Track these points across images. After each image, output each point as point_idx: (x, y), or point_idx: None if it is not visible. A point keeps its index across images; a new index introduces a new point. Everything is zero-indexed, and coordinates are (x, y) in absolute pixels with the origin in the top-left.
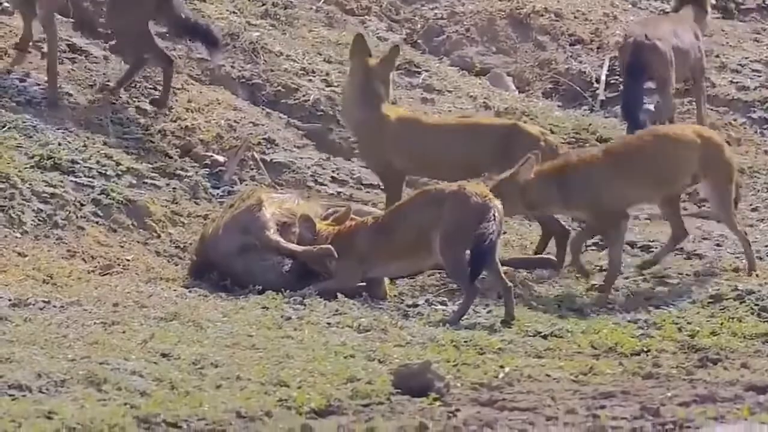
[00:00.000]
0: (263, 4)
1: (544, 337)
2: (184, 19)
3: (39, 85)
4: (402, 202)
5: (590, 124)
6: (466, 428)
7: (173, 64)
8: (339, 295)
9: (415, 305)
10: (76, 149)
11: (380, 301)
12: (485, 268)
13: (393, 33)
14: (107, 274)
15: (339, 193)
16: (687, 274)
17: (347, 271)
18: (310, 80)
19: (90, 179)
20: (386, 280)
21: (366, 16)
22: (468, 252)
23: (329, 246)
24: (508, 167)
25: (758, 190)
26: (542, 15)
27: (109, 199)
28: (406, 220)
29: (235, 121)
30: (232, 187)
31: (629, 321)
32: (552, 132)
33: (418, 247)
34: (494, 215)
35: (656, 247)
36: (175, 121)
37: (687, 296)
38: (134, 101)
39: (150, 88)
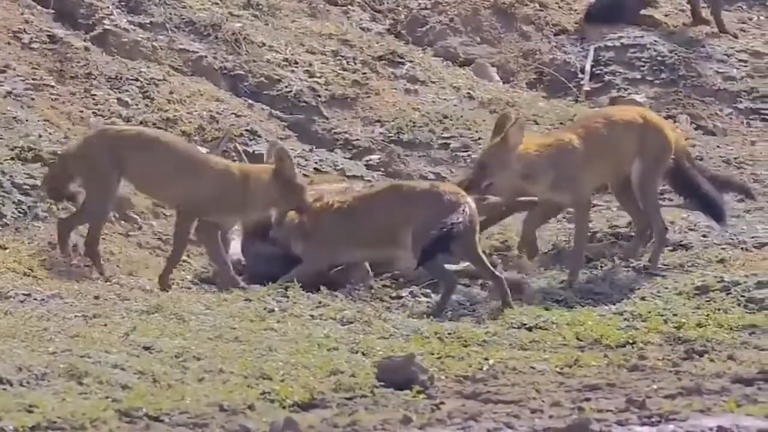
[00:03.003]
0: None
1: (529, 329)
2: None
3: (20, 76)
4: (372, 192)
5: (575, 115)
6: (450, 421)
7: None
8: (322, 287)
9: (399, 297)
10: (58, 141)
11: (362, 282)
12: (444, 259)
13: (376, 23)
14: (89, 266)
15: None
16: (673, 266)
17: (313, 253)
18: (293, 71)
19: None
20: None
21: (349, 6)
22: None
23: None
24: None
25: (745, 182)
26: (526, 5)
27: None
28: (373, 212)
29: (217, 113)
30: None
31: (615, 313)
32: (536, 123)
33: (382, 238)
34: (464, 210)
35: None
36: (156, 113)
37: (673, 288)
38: (116, 92)
39: (132, 80)
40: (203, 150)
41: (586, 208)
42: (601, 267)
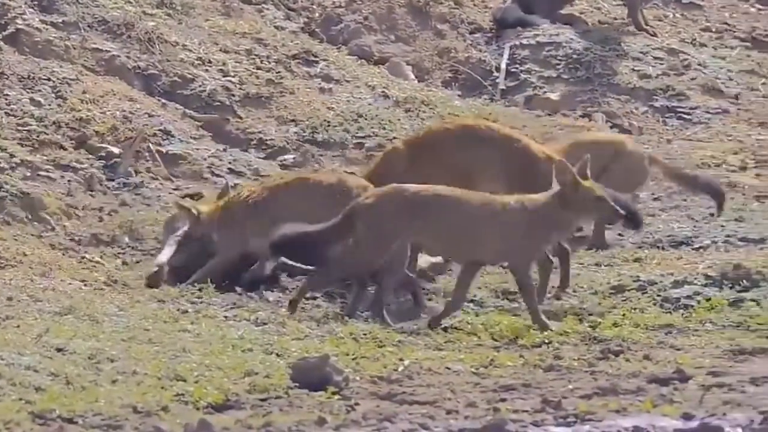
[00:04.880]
0: None
1: (444, 329)
2: None
3: None
4: (282, 182)
5: (490, 114)
6: (365, 422)
7: None
8: (237, 288)
9: (314, 297)
10: None
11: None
12: None
13: (290, 22)
14: (2, 267)
15: (236, 185)
16: (588, 265)
17: (227, 243)
18: (207, 70)
19: None
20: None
21: (263, 5)
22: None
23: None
24: None
25: (660, 179)
26: (441, 3)
27: (3, 191)
28: (282, 203)
29: (130, 112)
30: (128, 179)
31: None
32: None
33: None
34: None
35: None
36: (69, 113)
37: (588, 287)
38: (28, 92)
39: (45, 79)
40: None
41: None
42: None
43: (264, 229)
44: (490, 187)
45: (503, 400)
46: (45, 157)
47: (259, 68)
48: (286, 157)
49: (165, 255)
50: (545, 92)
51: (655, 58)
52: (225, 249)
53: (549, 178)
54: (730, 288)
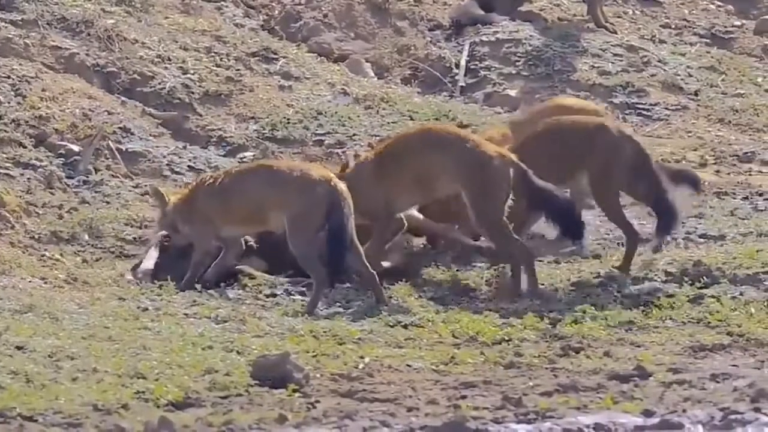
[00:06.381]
0: None
1: (405, 326)
2: None
3: None
4: (242, 169)
5: (450, 111)
6: (326, 419)
7: None
8: (197, 285)
9: (274, 295)
10: None
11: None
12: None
13: (250, 19)
14: None
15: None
16: (549, 261)
17: (199, 235)
18: (166, 68)
19: None
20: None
21: (222, 2)
22: (326, 246)
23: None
24: None
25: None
26: (400, 0)
27: None
28: (244, 191)
29: (90, 110)
30: (87, 177)
31: (490, 310)
32: (411, 119)
33: (254, 218)
34: (341, 201)
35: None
36: (29, 110)
37: (548, 284)
38: None
39: (4, 77)
40: None
41: (381, 223)
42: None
43: (229, 217)
44: (449, 188)
45: (464, 397)
46: (4, 155)
47: (218, 66)
48: (245, 154)
49: (150, 261)
50: (505, 89)
51: (615, 54)
52: (197, 240)
53: (502, 174)
54: (690, 284)
